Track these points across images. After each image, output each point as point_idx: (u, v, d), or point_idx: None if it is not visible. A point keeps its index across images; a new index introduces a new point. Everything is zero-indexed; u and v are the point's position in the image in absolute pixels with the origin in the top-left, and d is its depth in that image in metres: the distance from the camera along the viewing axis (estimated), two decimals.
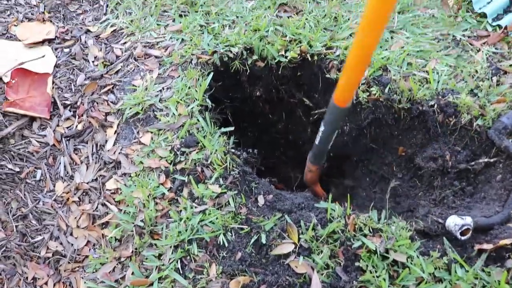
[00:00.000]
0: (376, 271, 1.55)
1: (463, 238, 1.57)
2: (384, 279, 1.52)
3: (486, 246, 1.53)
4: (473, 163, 1.88)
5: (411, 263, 1.55)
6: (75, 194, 2.02)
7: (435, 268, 1.53)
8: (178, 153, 1.97)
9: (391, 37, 2.31)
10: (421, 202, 1.93)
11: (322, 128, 1.80)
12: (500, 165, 1.80)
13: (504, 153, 1.79)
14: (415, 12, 2.43)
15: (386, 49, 2.25)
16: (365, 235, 1.64)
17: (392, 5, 1.14)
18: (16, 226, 1.96)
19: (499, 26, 2.23)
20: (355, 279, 1.55)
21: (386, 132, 2.24)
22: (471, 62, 2.11)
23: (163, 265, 1.71)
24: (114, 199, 1.95)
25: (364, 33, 1.25)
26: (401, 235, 1.61)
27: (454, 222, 1.58)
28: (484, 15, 2.30)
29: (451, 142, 1.96)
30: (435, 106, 1.97)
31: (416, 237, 1.63)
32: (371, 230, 1.66)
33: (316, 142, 1.89)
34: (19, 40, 2.58)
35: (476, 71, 2.04)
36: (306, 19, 2.45)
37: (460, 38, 2.22)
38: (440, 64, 2.11)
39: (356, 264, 1.58)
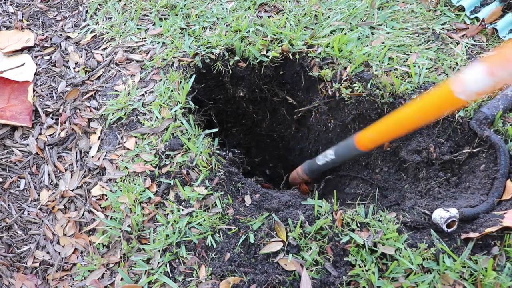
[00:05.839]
0: (365, 265, 1.55)
1: (449, 230, 1.58)
2: (374, 273, 1.52)
3: (472, 234, 1.54)
4: (456, 154, 1.90)
5: (400, 256, 1.55)
6: (60, 202, 2.00)
7: (423, 259, 1.54)
8: (163, 156, 1.96)
9: (372, 33, 2.33)
10: (407, 194, 1.94)
11: (332, 157, 1.91)
12: (483, 155, 1.82)
13: (486, 142, 1.81)
14: (395, 7, 2.45)
15: (367, 45, 2.26)
16: (353, 230, 1.65)
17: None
18: (1, 237, 1.93)
19: (477, 19, 2.25)
20: (344, 274, 1.55)
21: None
22: (451, 54, 2.13)
23: (152, 269, 1.70)
24: (100, 205, 1.93)
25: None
26: (388, 228, 1.62)
27: (439, 215, 1.59)
28: (462, 8, 2.33)
29: (435, 134, 1.97)
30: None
31: (403, 229, 1.64)
32: (358, 224, 1.66)
33: (319, 162, 1.96)
34: None
35: (457, 64, 2.07)
36: (287, 18, 2.46)
37: (440, 32, 2.25)
38: (421, 57, 2.13)
39: (345, 259, 1.58)
